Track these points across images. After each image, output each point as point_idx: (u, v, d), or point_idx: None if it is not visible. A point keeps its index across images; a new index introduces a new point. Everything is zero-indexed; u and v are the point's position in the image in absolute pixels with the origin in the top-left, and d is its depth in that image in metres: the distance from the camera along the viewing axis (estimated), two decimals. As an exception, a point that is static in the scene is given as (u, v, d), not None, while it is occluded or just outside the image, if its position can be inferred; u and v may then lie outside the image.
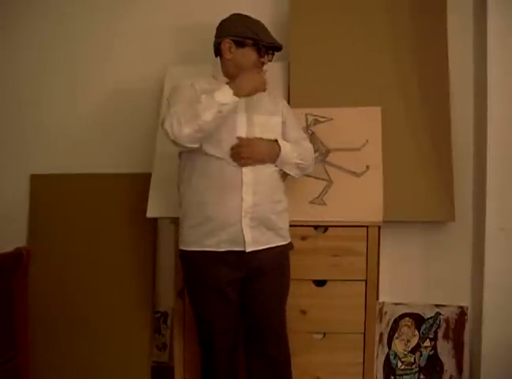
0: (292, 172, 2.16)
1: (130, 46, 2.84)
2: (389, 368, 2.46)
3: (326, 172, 2.40)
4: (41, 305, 2.70)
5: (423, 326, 2.45)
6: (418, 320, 2.46)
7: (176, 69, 2.64)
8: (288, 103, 2.40)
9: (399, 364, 2.45)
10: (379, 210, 2.31)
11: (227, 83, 1.98)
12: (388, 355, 2.46)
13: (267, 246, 2.05)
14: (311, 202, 2.36)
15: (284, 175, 2.18)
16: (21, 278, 2.64)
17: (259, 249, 2.03)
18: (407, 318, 2.47)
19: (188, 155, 2.07)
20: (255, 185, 2.01)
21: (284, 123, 2.18)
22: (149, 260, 2.70)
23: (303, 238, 2.32)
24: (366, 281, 2.31)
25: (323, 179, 2.39)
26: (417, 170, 2.40)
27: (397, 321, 2.47)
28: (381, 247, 2.35)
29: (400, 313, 2.47)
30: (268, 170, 2.07)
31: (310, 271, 2.33)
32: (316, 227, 2.34)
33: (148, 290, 2.69)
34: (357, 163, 2.39)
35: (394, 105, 2.47)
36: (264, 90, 2.05)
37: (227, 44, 2.06)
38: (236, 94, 1.94)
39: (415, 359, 2.45)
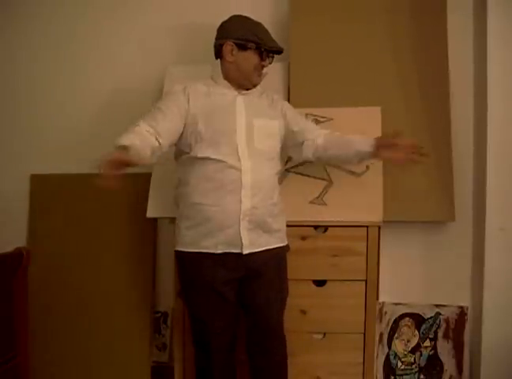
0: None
1: (130, 47, 2.84)
2: (389, 368, 2.46)
3: (326, 172, 2.40)
4: (41, 305, 2.70)
5: (423, 326, 2.45)
6: (418, 320, 2.46)
7: (176, 69, 2.64)
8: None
9: (399, 364, 2.45)
10: (379, 210, 2.31)
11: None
12: (388, 355, 2.46)
13: (264, 248, 2.05)
14: (311, 202, 2.36)
15: (281, 178, 2.18)
16: (21, 278, 2.64)
17: (256, 251, 2.04)
18: (407, 318, 2.47)
19: (186, 157, 2.07)
20: (254, 187, 2.01)
21: (287, 118, 2.18)
22: (149, 260, 2.70)
23: (303, 238, 2.32)
24: (366, 281, 2.31)
25: (323, 179, 2.39)
26: (417, 170, 2.40)
27: (397, 321, 2.47)
28: (381, 247, 2.35)
29: (400, 313, 2.47)
30: (267, 173, 2.07)
31: (309, 271, 2.33)
32: (316, 227, 2.34)
33: (147, 291, 2.68)
34: (357, 163, 2.39)
35: (394, 105, 2.47)
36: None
37: (229, 47, 2.06)
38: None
39: (415, 359, 2.45)
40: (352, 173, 2.38)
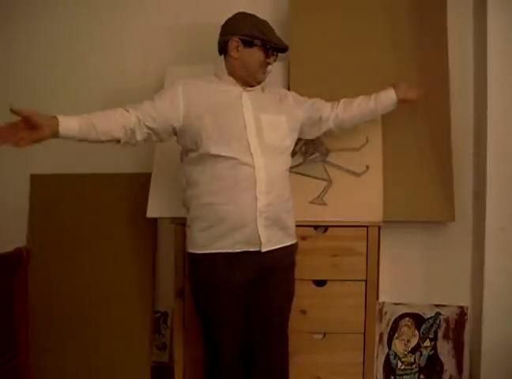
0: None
1: (130, 47, 2.84)
2: (389, 368, 2.46)
3: (326, 172, 2.40)
4: (41, 305, 2.70)
5: (423, 326, 2.45)
6: (418, 320, 2.46)
7: (176, 68, 2.64)
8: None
9: (399, 364, 2.45)
10: (379, 210, 2.31)
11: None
12: (388, 355, 2.46)
13: (279, 246, 2.05)
14: (311, 202, 2.36)
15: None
16: (21, 278, 2.64)
17: (272, 248, 2.03)
18: (407, 318, 2.47)
19: (194, 155, 2.04)
20: (268, 183, 1.99)
21: (302, 105, 2.20)
22: (149, 260, 2.70)
23: (303, 238, 2.31)
24: (366, 281, 2.31)
25: (323, 179, 2.39)
26: (417, 170, 2.40)
27: (397, 321, 2.47)
28: (381, 247, 2.35)
29: (400, 313, 2.47)
30: (279, 169, 2.06)
31: (310, 271, 2.33)
32: (316, 227, 2.34)
33: (148, 290, 2.69)
34: (357, 163, 2.39)
35: (394, 105, 2.47)
36: None
37: (234, 43, 2.05)
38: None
39: (415, 359, 2.45)
40: (352, 173, 2.38)
